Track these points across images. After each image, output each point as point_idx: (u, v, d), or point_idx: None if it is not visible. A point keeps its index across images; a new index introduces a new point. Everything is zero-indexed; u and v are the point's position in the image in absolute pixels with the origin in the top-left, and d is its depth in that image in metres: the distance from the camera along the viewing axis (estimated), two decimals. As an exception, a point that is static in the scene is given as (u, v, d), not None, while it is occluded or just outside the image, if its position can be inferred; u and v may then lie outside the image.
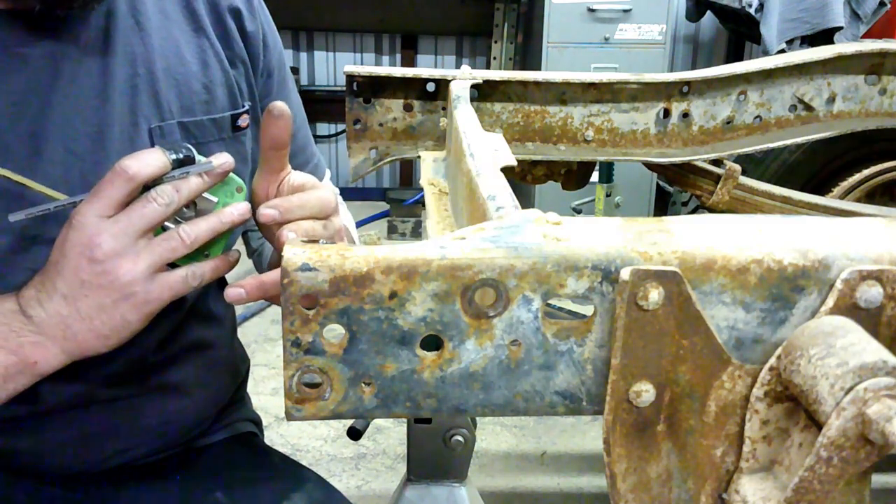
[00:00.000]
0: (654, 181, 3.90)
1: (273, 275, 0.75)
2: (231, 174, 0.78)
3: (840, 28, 3.20)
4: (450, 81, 1.21)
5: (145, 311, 0.74)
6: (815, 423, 0.48)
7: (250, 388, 1.23)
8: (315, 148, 1.14)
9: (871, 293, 0.50)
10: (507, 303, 0.51)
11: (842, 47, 1.46)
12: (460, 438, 1.43)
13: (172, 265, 0.75)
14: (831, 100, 1.47)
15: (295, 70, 4.80)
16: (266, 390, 2.74)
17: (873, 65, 1.47)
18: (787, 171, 2.51)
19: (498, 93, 1.30)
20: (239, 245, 0.89)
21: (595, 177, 2.52)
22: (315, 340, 0.51)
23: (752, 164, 2.43)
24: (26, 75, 0.80)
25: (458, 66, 1.99)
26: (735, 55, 4.62)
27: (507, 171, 0.75)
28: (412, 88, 1.26)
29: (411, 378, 0.52)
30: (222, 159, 0.76)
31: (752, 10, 3.36)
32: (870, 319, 0.50)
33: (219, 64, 0.94)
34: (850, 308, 0.50)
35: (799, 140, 1.47)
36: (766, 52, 3.31)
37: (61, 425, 0.92)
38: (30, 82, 0.81)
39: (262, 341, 3.14)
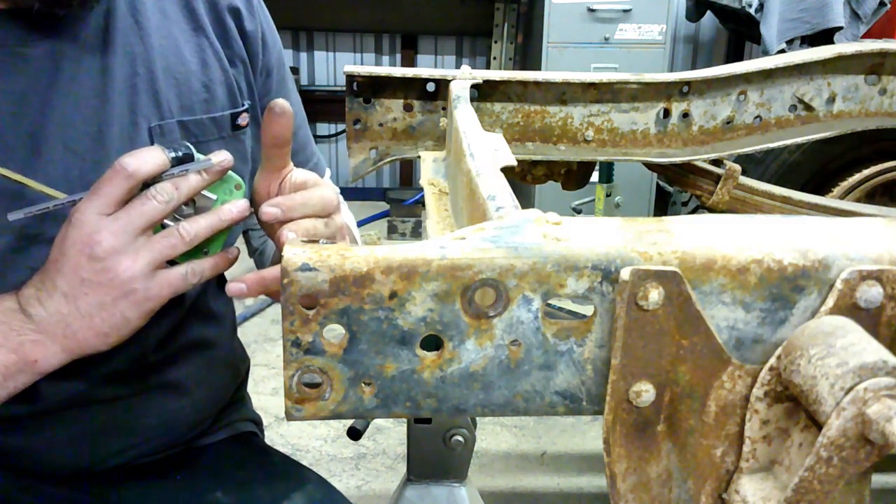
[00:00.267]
0: (654, 181, 3.90)
1: (274, 270, 0.75)
2: (230, 172, 0.78)
3: (840, 28, 3.20)
4: (450, 81, 1.21)
5: (145, 308, 0.74)
6: (815, 423, 0.48)
7: (250, 388, 1.23)
8: (315, 147, 1.14)
9: (871, 293, 0.50)
10: (507, 303, 0.51)
11: (842, 47, 1.46)
12: (460, 438, 1.43)
13: (172, 262, 0.75)
14: (831, 100, 1.47)
15: (295, 70, 4.80)
16: (266, 390, 2.74)
17: (873, 65, 1.47)
18: (787, 171, 2.51)
19: (498, 93, 1.30)
20: (240, 244, 0.89)
21: (595, 177, 2.52)
22: (315, 340, 0.51)
23: (752, 164, 2.43)
24: (26, 74, 0.80)
25: (458, 66, 1.99)
26: (735, 55, 4.62)
27: (507, 171, 0.75)
28: (412, 88, 1.27)
29: (411, 378, 0.52)
30: (221, 157, 0.77)
31: (752, 10, 3.37)
32: (870, 319, 0.50)
33: (218, 63, 0.94)
34: (850, 308, 0.50)
35: (799, 140, 1.47)
36: (766, 52, 3.31)
37: (61, 424, 0.92)
38: (30, 81, 0.81)
39: (262, 341, 3.14)
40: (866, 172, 2.49)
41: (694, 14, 3.95)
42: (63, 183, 0.81)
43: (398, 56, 4.96)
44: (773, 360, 0.51)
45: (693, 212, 3.46)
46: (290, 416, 0.53)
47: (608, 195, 2.80)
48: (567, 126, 1.34)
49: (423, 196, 1.02)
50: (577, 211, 3.20)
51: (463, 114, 1.00)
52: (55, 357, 0.74)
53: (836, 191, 2.52)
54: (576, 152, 1.35)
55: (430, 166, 1.11)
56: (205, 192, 0.77)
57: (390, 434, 2.55)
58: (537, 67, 3.79)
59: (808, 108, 1.46)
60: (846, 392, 0.44)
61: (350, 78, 1.26)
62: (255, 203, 0.80)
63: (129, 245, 0.72)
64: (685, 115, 1.39)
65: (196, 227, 0.75)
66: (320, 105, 4.67)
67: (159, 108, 0.88)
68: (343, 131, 4.90)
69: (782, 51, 3.22)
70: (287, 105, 0.75)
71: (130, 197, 0.73)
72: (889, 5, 3.28)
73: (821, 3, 3.20)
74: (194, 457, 1.06)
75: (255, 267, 1.16)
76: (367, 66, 1.25)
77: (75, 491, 0.98)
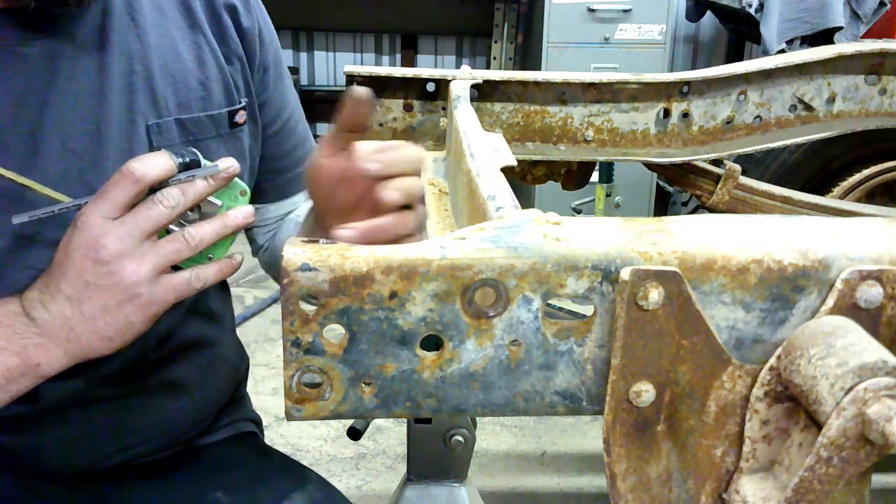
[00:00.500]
0: (654, 181, 3.89)
1: (383, 220, 0.70)
2: (235, 178, 0.78)
3: (840, 28, 3.20)
4: (450, 81, 1.21)
5: (149, 312, 0.74)
6: (815, 423, 0.48)
7: (250, 388, 1.23)
8: (314, 143, 1.14)
9: (871, 293, 0.50)
10: (507, 303, 0.51)
11: (842, 47, 1.46)
12: (460, 438, 1.43)
13: (176, 267, 0.76)
14: (831, 100, 1.47)
15: (295, 70, 4.79)
16: (266, 390, 2.74)
17: (873, 65, 1.47)
18: (787, 171, 2.51)
19: (498, 93, 1.30)
20: (243, 245, 0.88)
21: (595, 177, 2.52)
22: (315, 340, 0.51)
23: (752, 164, 2.43)
24: (24, 73, 0.80)
25: (458, 66, 1.99)
26: (735, 55, 4.62)
27: (507, 171, 0.75)
28: (412, 88, 1.27)
29: (411, 378, 0.52)
30: (228, 163, 0.77)
31: (752, 10, 3.36)
32: (870, 319, 0.50)
33: (214, 60, 0.94)
34: (850, 308, 0.50)
35: (799, 140, 1.48)
36: (766, 52, 3.31)
37: (61, 424, 0.92)
38: (27, 80, 0.81)
39: (262, 341, 3.14)
40: (866, 172, 2.49)
41: (694, 14, 3.95)
42: (62, 182, 0.81)
43: (398, 56, 4.95)
44: (773, 360, 0.51)
45: (693, 212, 3.46)
46: (290, 416, 0.53)
47: (608, 195, 2.80)
48: (567, 126, 1.34)
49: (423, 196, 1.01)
50: (577, 211, 3.20)
51: (463, 114, 1.00)
52: (58, 361, 0.74)
53: (836, 191, 2.52)
54: (576, 152, 1.35)
55: (430, 166, 1.11)
56: (210, 198, 0.77)
57: (390, 434, 2.55)
58: (537, 67, 3.78)
59: (808, 108, 1.46)
60: (846, 392, 0.44)
61: (350, 78, 1.26)
62: (316, 180, 0.78)
63: (135, 249, 0.72)
64: (685, 115, 1.39)
65: (201, 232, 0.75)
66: (320, 105, 4.66)
67: (156, 106, 0.88)
68: (343, 131, 4.89)
69: (782, 51, 3.22)
70: (365, 93, 0.73)
71: (137, 201, 0.73)
72: (889, 5, 3.28)
73: (821, 3, 3.20)
74: (194, 457, 1.06)
75: (260, 265, 1.15)
76: (367, 66, 1.25)
77: (75, 491, 0.98)
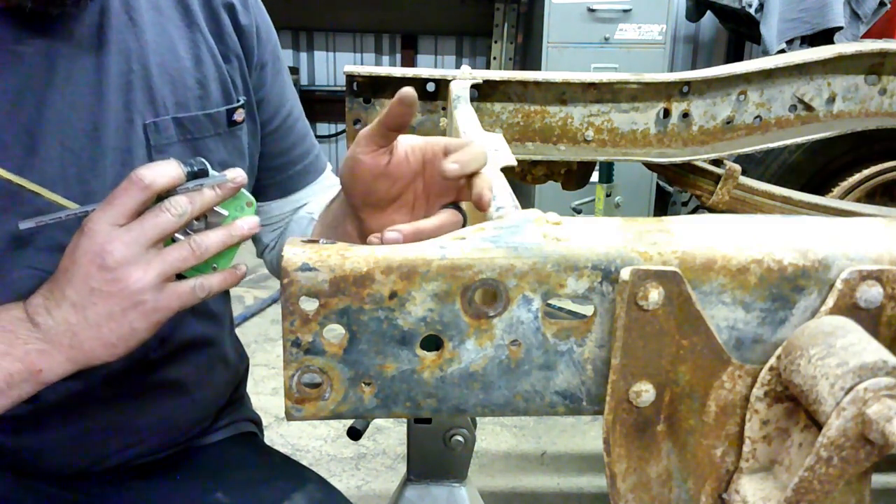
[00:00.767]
0: (654, 181, 3.89)
1: (432, 222, 0.71)
2: (242, 189, 0.78)
3: (840, 28, 3.20)
4: (450, 81, 1.22)
5: (153, 319, 0.74)
6: (815, 423, 0.48)
7: (250, 388, 1.23)
8: (314, 140, 1.14)
9: (871, 293, 0.50)
10: (507, 303, 0.51)
11: (842, 47, 1.46)
12: (460, 438, 1.43)
13: (180, 276, 0.76)
14: (831, 100, 1.47)
15: (295, 70, 4.79)
16: (266, 390, 2.74)
17: (873, 65, 1.47)
18: (787, 171, 2.51)
19: (498, 93, 1.30)
20: (246, 245, 0.88)
21: (595, 177, 2.52)
22: (315, 340, 0.51)
23: (752, 164, 2.43)
24: (21, 73, 0.80)
25: (458, 66, 1.99)
26: (735, 55, 4.62)
27: (507, 171, 0.75)
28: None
29: (411, 378, 0.52)
30: (236, 173, 0.77)
31: (752, 10, 3.36)
32: (870, 319, 0.50)
33: (212, 59, 0.94)
34: (850, 308, 0.50)
35: (799, 140, 1.48)
36: (766, 52, 3.31)
37: (61, 424, 0.92)
38: (25, 80, 0.81)
39: (262, 341, 3.14)
40: (866, 172, 2.49)
41: (694, 14, 3.95)
42: (59, 181, 0.81)
43: (398, 56, 4.95)
44: (773, 360, 0.51)
45: (693, 212, 3.46)
46: (290, 416, 0.53)
47: (608, 195, 2.80)
48: (567, 126, 1.34)
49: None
50: (577, 211, 3.20)
51: (463, 114, 1.00)
52: (60, 367, 0.74)
53: (836, 191, 2.52)
54: (576, 152, 1.35)
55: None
56: (217, 208, 0.78)
57: (390, 434, 2.55)
58: (537, 67, 3.78)
59: (808, 108, 1.46)
60: (846, 392, 0.44)
61: (350, 78, 1.26)
62: (355, 175, 0.78)
63: (141, 256, 0.72)
64: (685, 115, 1.39)
65: (207, 241, 0.75)
66: (320, 105, 4.66)
67: (154, 105, 0.88)
68: (343, 131, 4.90)
69: (782, 51, 3.22)
70: (412, 95, 0.73)
71: (144, 209, 0.73)
72: (889, 5, 3.28)
73: (821, 3, 3.20)
74: (194, 457, 1.06)
75: (265, 265, 1.15)
76: (367, 66, 1.25)
77: (75, 491, 0.98)
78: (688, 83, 1.37)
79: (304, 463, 1.14)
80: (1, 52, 0.80)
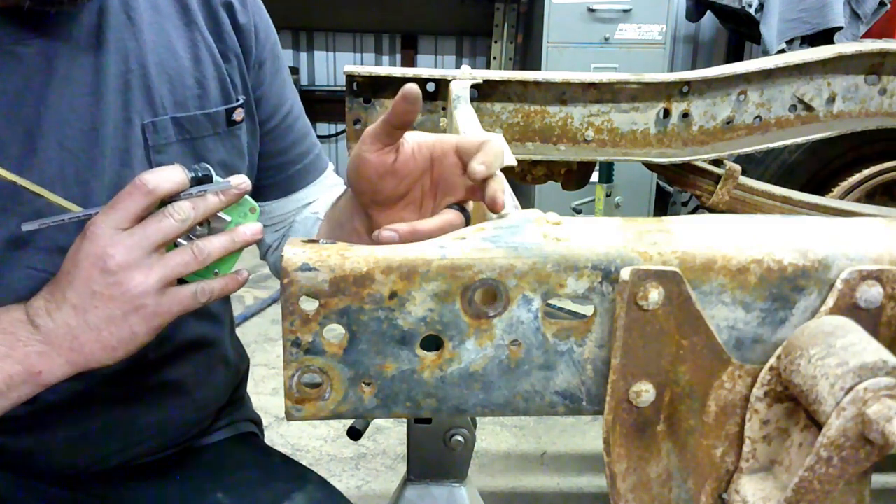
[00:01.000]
0: (654, 181, 3.89)
1: (430, 223, 0.71)
2: (245, 195, 0.78)
3: (840, 28, 3.20)
4: (450, 81, 1.22)
5: (154, 324, 0.74)
6: (815, 423, 0.48)
7: (250, 388, 1.23)
8: (315, 139, 1.14)
9: (871, 293, 0.50)
10: (507, 303, 0.51)
11: (842, 47, 1.46)
12: (460, 438, 1.43)
13: (181, 281, 0.76)
14: (831, 100, 1.47)
15: (295, 70, 4.79)
16: (266, 390, 2.74)
17: (873, 65, 1.47)
18: (787, 171, 2.51)
19: (498, 93, 1.30)
20: (248, 253, 0.88)
21: (595, 177, 2.52)
22: (315, 340, 0.51)
23: (752, 164, 2.43)
24: (20, 73, 0.80)
25: (458, 66, 1.99)
26: (735, 55, 4.62)
27: (507, 171, 0.75)
28: (412, 88, 1.26)
29: (411, 378, 0.52)
30: (240, 179, 0.77)
31: (752, 10, 3.36)
32: (870, 319, 0.50)
33: (211, 58, 0.94)
34: (850, 308, 0.50)
35: (799, 140, 1.48)
36: (766, 52, 3.31)
37: (61, 424, 0.92)
38: (24, 80, 0.81)
39: (262, 341, 3.14)
40: (866, 172, 2.49)
41: (694, 14, 3.95)
42: (59, 181, 0.81)
43: (398, 56, 4.95)
44: (773, 360, 0.51)
45: (693, 212, 3.46)
46: (290, 416, 0.53)
47: (608, 195, 2.80)
48: (567, 126, 1.34)
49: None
50: (577, 211, 3.20)
51: (463, 114, 1.00)
52: (60, 369, 0.74)
53: (836, 191, 2.52)
54: (576, 152, 1.36)
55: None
56: (220, 214, 0.78)
57: (390, 434, 2.55)
58: (537, 67, 3.78)
59: (808, 108, 1.46)
60: (846, 392, 0.44)
61: (350, 78, 1.26)
62: (361, 174, 0.78)
63: (143, 260, 0.72)
64: (685, 115, 1.39)
65: (210, 246, 0.75)
66: (320, 105, 4.66)
67: (152, 104, 0.88)
68: (343, 131, 4.90)
69: (782, 51, 3.22)
70: (417, 93, 0.73)
71: (147, 213, 0.73)
72: (889, 5, 3.28)
73: (821, 3, 3.20)
74: (194, 457, 1.06)
75: (256, 267, 1.16)
76: (367, 66, 1.25)
77: (75, 491, 0.98)
78: (688, 83, 1.37)
79: (304, 463, 1.14)
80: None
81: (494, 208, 0.64)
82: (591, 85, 1.32)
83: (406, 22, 4.81)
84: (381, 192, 0.77)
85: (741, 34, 4.08)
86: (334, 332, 0.51)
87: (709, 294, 0.51)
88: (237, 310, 3.24)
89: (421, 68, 2.36)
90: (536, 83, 1.30)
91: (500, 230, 0.52)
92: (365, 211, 0.81)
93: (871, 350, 0.45)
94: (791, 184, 1.99)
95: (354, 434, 1.54)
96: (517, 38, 4.50)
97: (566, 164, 1.43)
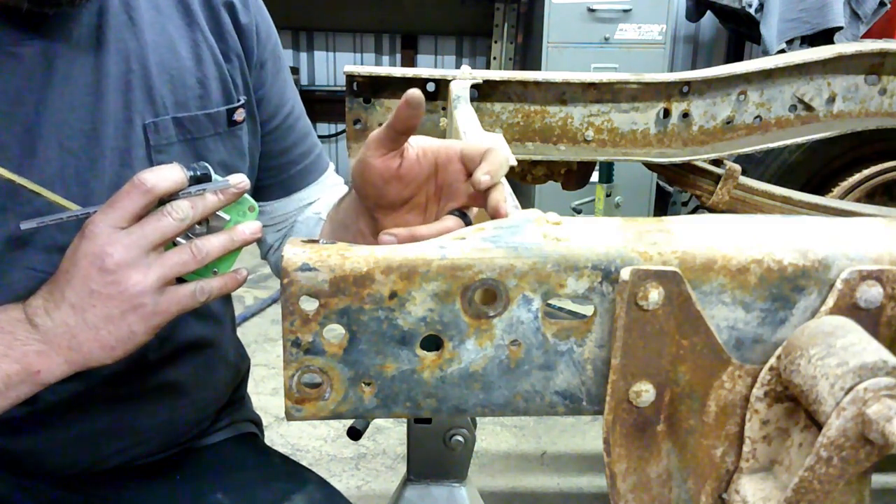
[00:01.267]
0: (654, 181, 3.90)
1: (429, 229, 0.72)
2: (244, 194, 0.78)
3: (840, 28, 3.20)
4: (450, 81, 1.22)
5: (152, 323, 0.74)
6: (815, 423, 0.48)
7: (250, 388, 1.23)
8: (316, 139, 1.14)
9: (871, 293, 0.50)
10: (507, 303, 0.51)
11: (842, 47, 1.46)
12: (460, 438, 1.43)
13: (180, 280, 0.76)
14: (831, 100, 1.47)
15: (295, 70, 4.79)
16: (266, 390, 2.74)
17: (873, 65, 1.47)
18: (787, 171, 2.51)
19: (498, 93, 1.30)
20: (247, 252, 0.87)
21: (595, 177, 2.52)
22: (315, 340, 0.51)
23: (752, 164, 2.43)
24: (20, 74, 0.80)
25: (458, 66, 1.99)
26: (735, 55, 4.62)
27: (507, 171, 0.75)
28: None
29: (411, 378, 0.52)
30: (238, 179, 0.77)
31: (752, 10, 3.36)
32: (870, 319, 0.50)
33: (212, 58, 0.93)
34: (850, 308, 0.50)
35: (799, 140, 1.48)
36: (766, 52, 3.31)
37: (60, 425, 0.92)
38: (24, 81, 0.81)
39: (262, 341, 3.14)
40: (866, 172, 2.49)
41: (694, 14, 3.95)
42: (59, 181, 0.81)
43: (398, 56, 4.95)
44: (773, 360, 0.51)
45: (693, 212, 3.46)
46: (290, 416, 0.53)
47: (608, 195, 2.80)
48: (567, 126, 1.34)
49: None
50: (577, 211, 3.20)
51: (463, 114, 1.00)
52: (58, 368, 0.74)
53: (836, 191, 2.52)
54: (576, 152, 1.36)
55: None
56: (219, 213, 0.78)
57: (390, 434, 2.55)
58: (537, 67, 3.78)
59: (808, 108, 1.46)
60: (846, 392, 0.44)
61: (350, 78, 1.26)
62: (366, 179, 0.78)
63: (141, 259, 0.72)
64: (685, 115, 1.39)
65: (208, 245, 0.75)
66: (320, 105, 4.66)
67: (153, 104, 0.88)
68: (343, 131, 4.90)
69: (782, 51, 3.22)
70: (420, 98, 0.73)
71: (146, 212, 0.73)
72: (889, 5, 3.28)
73: (821, 3, 3.20)
74: (194, 457, 1.06)
75: (256, 267, 1.16)
76: (367, 66, 1.25)
77: (75, 492, 0.98)
78: (688, 83, 1.37)
79: (304, 463, 1.14)
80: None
81: (497, 217, 0.65)
82: (591, 85, 1.32)
83: (406, 22, 4.81)
84: (386, 197, 0.77)
85: (741, 34, 4.08)
86: (334, 332, 0.51)
87: (709, 294, 0.51)
88: (237, 310, 3.24)
89: (421, 68, 2.36)
90: (536, 83, 1.30)
91: (500, 230, 0.52)
92: (370, 213, 0.81)
93: (871, 350, 0.45)
94: (791, 184, 1.99)
95: (354, 434, 1.54)
96: (517, 38, 4.50)
97: (566, 164, 1.43)
